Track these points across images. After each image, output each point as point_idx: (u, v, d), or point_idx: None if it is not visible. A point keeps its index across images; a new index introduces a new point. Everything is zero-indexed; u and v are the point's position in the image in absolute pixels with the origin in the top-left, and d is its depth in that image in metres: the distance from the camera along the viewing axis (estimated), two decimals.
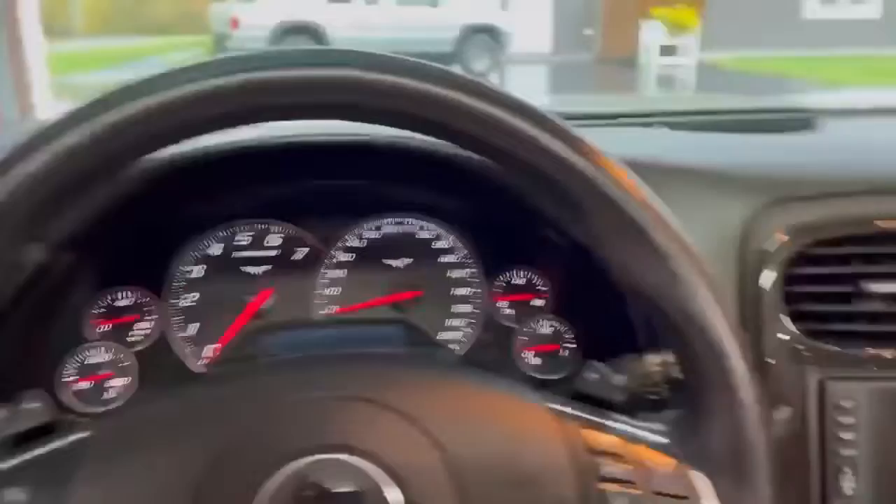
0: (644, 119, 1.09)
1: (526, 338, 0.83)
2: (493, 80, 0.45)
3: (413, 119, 0.40)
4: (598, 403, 0.46)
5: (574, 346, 0.82)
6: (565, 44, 13.83)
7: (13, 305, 0.65)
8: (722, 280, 0.54)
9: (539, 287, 0.84)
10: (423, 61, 0.40)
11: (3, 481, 0.38)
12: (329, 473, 0.40)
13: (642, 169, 0.44)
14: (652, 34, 11.03)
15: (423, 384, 0.45)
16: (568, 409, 0.44)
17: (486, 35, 11.77)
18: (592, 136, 0.42)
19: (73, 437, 0.41)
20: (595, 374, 0.48)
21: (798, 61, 10.72)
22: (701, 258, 0.41)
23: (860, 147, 0.91)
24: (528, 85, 10.81)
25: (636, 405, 0.49)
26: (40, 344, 0.72)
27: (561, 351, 0.82)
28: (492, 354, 0.83)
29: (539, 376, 0.82)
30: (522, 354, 0.82)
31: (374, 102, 0.39)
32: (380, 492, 0.39)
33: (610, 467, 0.41)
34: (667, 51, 10.96)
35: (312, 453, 0.40)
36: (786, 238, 0.69)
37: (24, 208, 0.37)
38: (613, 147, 0.44)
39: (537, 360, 0.82)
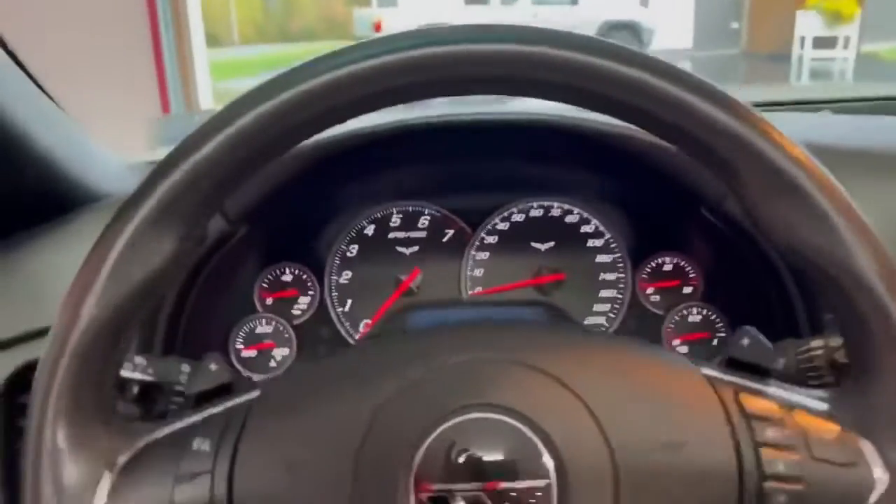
0: (804, 106, 1.03)
1: (673, 325, 0.81)
2: None
3: (579, 92, 0.39)
4: (753, 370, 0.44)
5: (725, 334, 0.80)
6: (708, 39, 13.19)
7: (195, 275, 0.72)
8: None
9: (689, 273, 0.82)
10: (583, 34, 0.40)
11: (193, 432, 0.42)
12: (483, 433, 0.40)
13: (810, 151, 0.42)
14: (807, 25, 10.29)
15: (576, 351, 0.44)
16: (722, 375, 0.43)
17: (627, 32, 11.46)
18: None
19: (246, 397, 0.44)
20: (748, 340, 0.46)
21: None
22: (860, 214, 0.38)
23: None
24: None
25: (794, 378, 0.47)
26: (216, 312, 0.79)
27: (712, 339, 0.80)
28: None
29: None
30: (672, 342, 0.81)
31: (553, 78, 0.39)
32: (535, 455, 0.39)
33: (767, 432, 0.39)
34: (823, 43, 10.18)
35: (469, 412, 0.40)
36: None
37: (210, 182, 0.39)
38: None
39: (685, 349, 0.81)
